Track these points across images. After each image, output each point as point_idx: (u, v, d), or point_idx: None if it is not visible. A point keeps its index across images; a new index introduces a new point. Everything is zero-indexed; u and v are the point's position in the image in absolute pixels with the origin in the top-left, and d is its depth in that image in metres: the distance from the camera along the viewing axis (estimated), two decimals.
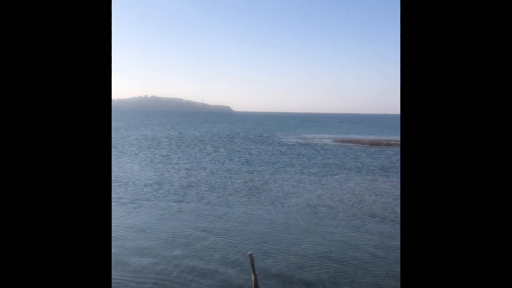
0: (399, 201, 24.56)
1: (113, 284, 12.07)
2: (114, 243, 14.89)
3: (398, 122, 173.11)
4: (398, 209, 22.73)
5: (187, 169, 35.47)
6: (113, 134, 65.79)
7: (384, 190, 27.72)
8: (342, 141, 67.86)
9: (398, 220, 20.70)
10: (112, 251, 11.29)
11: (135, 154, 45.85)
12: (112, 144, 36.07)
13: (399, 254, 15.77)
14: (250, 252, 11.96)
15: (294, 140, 69.35)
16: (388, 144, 61.53)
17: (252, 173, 34.31)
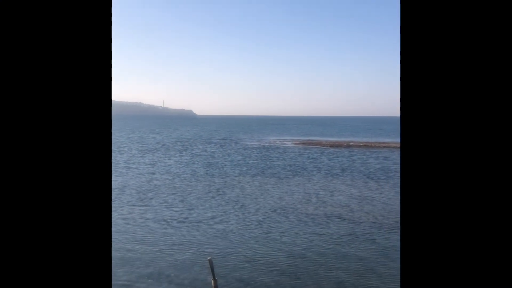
0: (353, 199, 25.23)
1: None
2: None
3: (361, 124, 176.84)
4: (354, 207, 23.32)
5: (150, 173, 34.99)
6: None
7: (341, 190, 28.33)
8: (303, 143, 68.75)
9: (354, 218, 21.25)
10: None
11: None
12: None
13: (357, 251, 16.24)
14: (209, 258, 11.91)
15: (257, 143, 69.66)
16: (348, 146, 62.87)
17: (213, 175, 34.24)
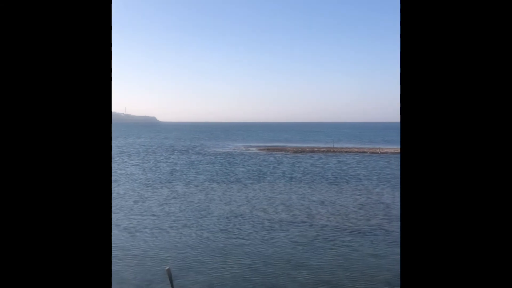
0: (314, 202, 25.88)
1: None
2: None
3: (327, 130, 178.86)
4: (315, 211, 23.98)
5: (113, 181, 34.49)
6: None
7: (302, 194, 28.99)
8: (268, 149, 69.44)
9: (311, 222, 21.87)
10: None
11: None
12: None
13: (311, 253, 16.72)
14: (167, 267, 11.19)
15: (221, 150, 69.76)
16: (311, 151, 64.02)
17: (176, 182, 34.21)
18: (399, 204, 25.50)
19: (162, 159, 53.77)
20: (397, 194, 29.24)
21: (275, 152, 63.27)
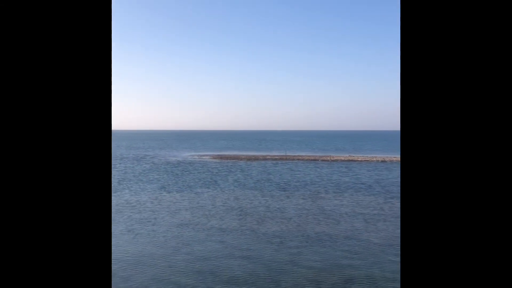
0: (262, 207, 26.07)
1: None
2: None
3: (280, 138, 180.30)
4: (263, 215, 24.14)
5: None
6: None
7: (251, 200, 29.16)
8: (221, 157, 69.33)
9: (257, 229, 22.02)
10: None
11: None
12: None
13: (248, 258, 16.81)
14: None
15: (174, 158, 68.96)
16: (264, 159, 64.51)
17: (125, 191, 33.51)
18: (335, 209, 26.22)
19: (112, 167, 52.35)
20: (338, 199, 30.02)
21: (227, 160, 63.24)
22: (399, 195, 31.42)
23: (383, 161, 60.85)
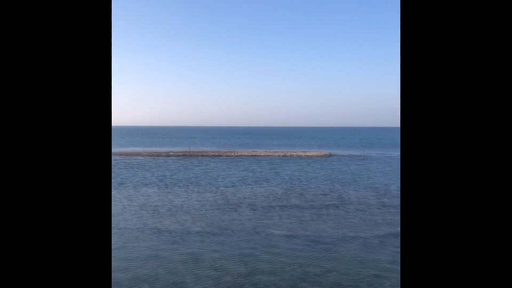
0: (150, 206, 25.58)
1: None
2: None
3: (196, 133, 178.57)
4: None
5: None
6: None
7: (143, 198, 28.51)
8: (121, 154, 66.69)
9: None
10: None
11: None
12: None
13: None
14: None
15: None
16: (167, 155, 63.40)
17: None
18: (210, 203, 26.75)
19: None
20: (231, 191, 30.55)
21: (133, 157, 61.05)
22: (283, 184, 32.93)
23: (284, 156, 63.10)
